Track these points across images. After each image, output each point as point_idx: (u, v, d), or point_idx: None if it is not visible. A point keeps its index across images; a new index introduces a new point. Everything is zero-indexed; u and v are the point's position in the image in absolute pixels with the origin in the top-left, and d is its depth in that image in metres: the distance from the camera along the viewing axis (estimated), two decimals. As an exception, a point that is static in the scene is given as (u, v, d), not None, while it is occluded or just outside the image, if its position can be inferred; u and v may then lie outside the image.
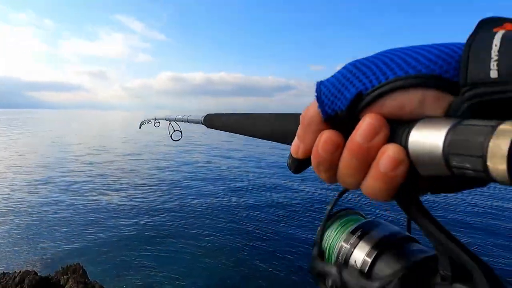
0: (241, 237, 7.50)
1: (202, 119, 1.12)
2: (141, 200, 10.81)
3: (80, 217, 9.13)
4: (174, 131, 1.93)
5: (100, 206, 10.20)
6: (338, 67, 0.31)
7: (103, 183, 13.09)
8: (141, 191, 11.92)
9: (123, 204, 10.35)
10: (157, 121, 2.31)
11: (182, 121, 1.52)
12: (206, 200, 10.52)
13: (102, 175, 14.64)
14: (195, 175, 14.52)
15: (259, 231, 7.80)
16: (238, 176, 14.26)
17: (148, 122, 2.78)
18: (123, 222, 8.71)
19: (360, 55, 0.30)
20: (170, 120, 1.83)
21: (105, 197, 11.12)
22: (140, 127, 3.13)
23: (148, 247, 7.16)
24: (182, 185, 12.66)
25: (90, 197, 11.12)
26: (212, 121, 0.99)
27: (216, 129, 0.96)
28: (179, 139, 1.95)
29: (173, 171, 15.33)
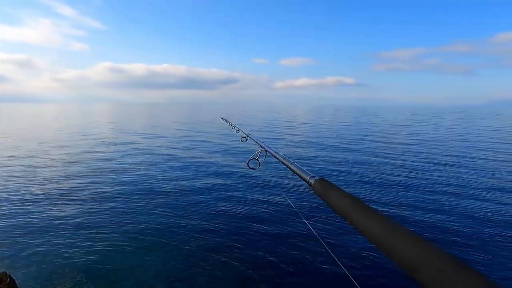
0: (180, 230, 7.41)
1: (313, 181, 1.03)
2: (73, 202, 9.99)
3: (5, 223, 8.15)
4: (256, 159, 1.76)
5: (26, 210, 9.20)
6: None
7: (29, 183, 11.80)
8: (71, 193, 11.00)
9: (53, 206, 9.46)
10: (264, 150, 1.83)
11: (291, 169, 1.28)
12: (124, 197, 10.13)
13: (25, 175, 13.16)
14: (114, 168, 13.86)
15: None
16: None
17: (245, 139, 2.35)
18: (55, 225, 7.98)
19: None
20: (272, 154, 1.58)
21: (31, 200, 10.05)
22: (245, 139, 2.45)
23: (82, 250, 6.68)
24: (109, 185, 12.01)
25: (14, 200, 9.96)
26: (325, 189, 0.93)
27: (324, 199, 0.91)
28: (254, 168, 1.75)
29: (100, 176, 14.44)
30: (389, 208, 8.43)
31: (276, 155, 1.58)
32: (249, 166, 1.78)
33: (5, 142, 22.10)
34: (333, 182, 0.96)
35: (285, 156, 1.46)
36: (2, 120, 51.47)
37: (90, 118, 51.62)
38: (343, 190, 0.88)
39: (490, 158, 16.47)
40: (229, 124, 3.11)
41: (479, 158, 16.21)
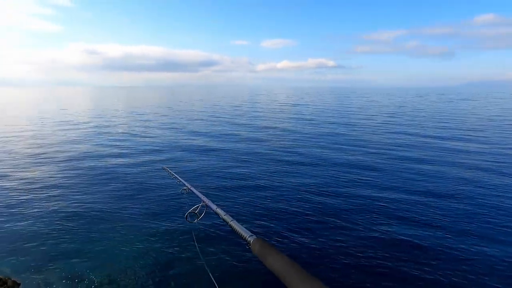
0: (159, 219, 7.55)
1: (251, 240, 1.03)
2: (55, 185, 9.89)
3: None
4: (195, 213, 1.69)
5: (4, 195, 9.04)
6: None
7: (7, 169, 11.50)
8: (56, 175, 10.85)
9: (35, 189, 9.34)
10: (203, 205, 1.75)
11: (231, 227, 1.26)
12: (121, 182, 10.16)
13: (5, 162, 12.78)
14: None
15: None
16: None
17: (184, 191, 2.21)
18: (38, 209, 7.94)
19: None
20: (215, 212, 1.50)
21: (11, 184, 9.86)
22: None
23: (68, 235, 6.70)
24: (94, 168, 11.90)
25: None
26: (263, 249, 0.95)
27: (262, 259, 0.92)
28: (192, 221, 1.69)
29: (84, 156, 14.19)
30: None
31: (217, 210, 1.52)
32: (187, 219, 1.71)
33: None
34: (271, 242, 0.99)
35: (225, 213, 1.41)
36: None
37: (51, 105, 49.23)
38: (280, 252, 0.90)
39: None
40: (170, 174, 2.90)
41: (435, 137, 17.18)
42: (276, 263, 0.84)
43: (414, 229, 6.77)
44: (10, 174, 11.24)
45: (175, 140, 17.31)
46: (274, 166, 11.77)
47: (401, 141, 16.51)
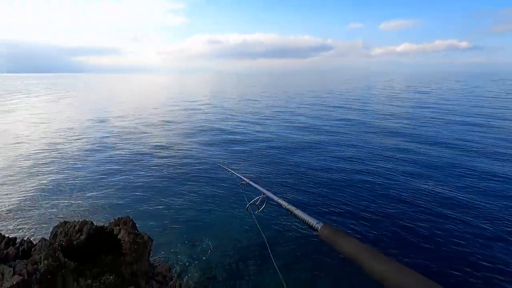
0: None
1: (319, 226, 1.09)
2: (188, 159, 11.37)
3: (128, 175, 9.82)
4: (256, 204, 1.78)
5: (145, 165, 10.87)
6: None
7: (149, 144, 13.85)
8: (192, 149, 12.47)
9: (169, 163, 10.92)
10: (265, 196, 1.84)
11: (296, 215, 1.30)
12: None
13: (145, 136, 15.44)
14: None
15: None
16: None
17: (242, 185, 2.33)
18: (170, 181, 9.28)
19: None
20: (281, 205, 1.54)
21: (150, 158, 11.80)
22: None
23: (192, 204, 7.68)
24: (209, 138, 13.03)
25: (137, 157, 11.86)
26: (332, 234, 1.00)
27: (331, 243, 0.97)
28: (253, 212, 1.79)
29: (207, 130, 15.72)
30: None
31: (279, 201, 1.56)
32: (247, 210, 1.78)
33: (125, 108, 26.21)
34: (338, 228, 1.02)
35: (288, 203, 1.44)
36: (125, 88, 61.34)
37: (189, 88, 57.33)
38: (350, 235, 0.95)
39: None
40: (227, 172, 3.04)
41: None
42: (349, 245, 0.89)
43: None
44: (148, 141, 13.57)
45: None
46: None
47: None
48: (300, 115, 21.91)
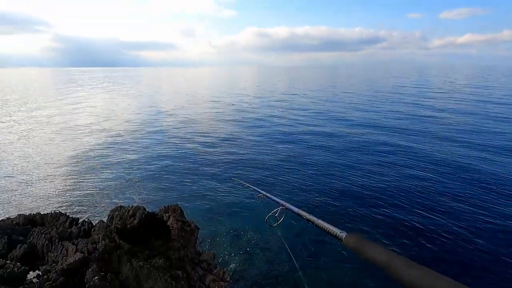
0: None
1: (343, 236, 1.09)
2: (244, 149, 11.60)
3: (179, 168, 10.31)
4: (275, 216, 1.78)
5: (195, 156, 11.32)
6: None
7: (201, 135, 14.43)
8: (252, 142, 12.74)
9: (227, 161, 11.21)
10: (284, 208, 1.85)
11: (318, 226, 1.30)
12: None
13: (191, 126, 16.07)
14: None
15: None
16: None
17: (259, 198, 2.36)
18: (221, 173, 9.58)
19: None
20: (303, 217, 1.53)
21: (201, 148, 12.27)
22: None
23: (237, 204, 7.77)
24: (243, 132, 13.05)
25: (188, 147, 12.40)
26: (359, 243, 0.99)
27: (358, 252, 0.96)
28: (272, 225, 1.79)
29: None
30: None
31: (299, 212, 1.54)
32: (267, 223, 1.78)
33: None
34: (364, 236, 1.00)
35: (309, 214, 1.43)
36: (178, 81, 64.93)
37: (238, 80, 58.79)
38: (377, 243, 0.94)
39: None
40: (242, 186, 2.97)
41: None
42: (378, 254, 0.87)
43: None
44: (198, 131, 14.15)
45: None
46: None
47: None
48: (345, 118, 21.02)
